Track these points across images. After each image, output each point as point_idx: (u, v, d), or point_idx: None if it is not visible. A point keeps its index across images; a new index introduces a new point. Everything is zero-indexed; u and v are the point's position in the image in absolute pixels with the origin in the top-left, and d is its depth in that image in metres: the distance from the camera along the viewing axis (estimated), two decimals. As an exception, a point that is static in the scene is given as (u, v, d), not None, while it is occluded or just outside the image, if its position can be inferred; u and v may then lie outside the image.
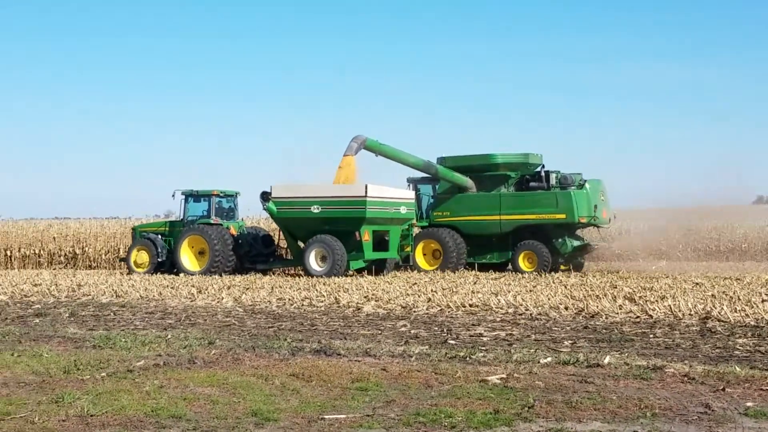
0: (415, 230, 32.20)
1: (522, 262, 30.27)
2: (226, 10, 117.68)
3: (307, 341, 13.05)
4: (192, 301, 19.73)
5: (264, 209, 30.11)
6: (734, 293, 19.29)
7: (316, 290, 21.50)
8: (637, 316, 15.84)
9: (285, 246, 31.56)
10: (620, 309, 16.60)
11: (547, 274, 27.75)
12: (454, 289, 21.33)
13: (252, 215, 39.74)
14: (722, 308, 15.98)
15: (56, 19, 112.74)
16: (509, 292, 20.29)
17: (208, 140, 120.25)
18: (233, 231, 31.14)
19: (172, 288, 22.88)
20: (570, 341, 13.03)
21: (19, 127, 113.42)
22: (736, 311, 15.81)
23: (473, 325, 15.07)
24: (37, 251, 42.34)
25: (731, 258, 40.09)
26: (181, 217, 32.10)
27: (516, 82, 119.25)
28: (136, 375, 10.16)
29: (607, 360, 10.97)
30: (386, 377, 10.04)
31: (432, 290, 21.06)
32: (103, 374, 10.20)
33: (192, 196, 32.00)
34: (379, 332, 14.25)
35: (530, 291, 20.81)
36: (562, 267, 30.61)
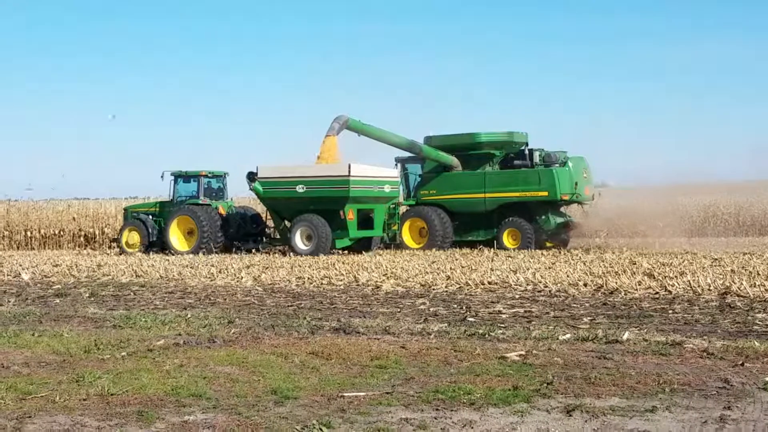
0: (402, 209, 32.71)
1: (506, 239, 30.72)
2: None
3: (327, 320, 13.08)
4: (212, 280, 19.81)
5: (250, 189, 30.73)
6: (753, 268, 19.20)
7: (335, 269, 21.53)
8: (656, 292, 15.80)
9: (273, 225, 31.97)
10: (639, 285, 16.56)
11: (565, 251, 27.72)
12: (473, 267, 21.32)
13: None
14: (741, 283, 15.92)
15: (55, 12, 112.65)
16: (528, 269, 20.27)
17: (223, 122, 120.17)
18: (222, 211, 31.60)
19: (191, 268, 22.97)
20: (589, 318, 13.01)
21: (37, 107, 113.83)
22: (755, 286, 15.76)
23: (492, 302, 15.07)
24: (56, 232, 42.59)
25: (750, 233, 40.06)
26: (171, 198, 32.56)
27: (515, 62, 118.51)
28: (156, 354, 10.21)
29: (626, 336, 10.95)
30: (405, 355, 10.05)
31: (451, 268, 21.07)
32: (123, 353, 10.25)
33: (181, 177, 32.53)
34: (398, 310, 14.27)
35: (549, 268, 20.78)
36: (548, 243, 30.96)
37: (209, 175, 32.77)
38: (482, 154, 32.14)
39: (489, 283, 17.78)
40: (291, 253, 28.90)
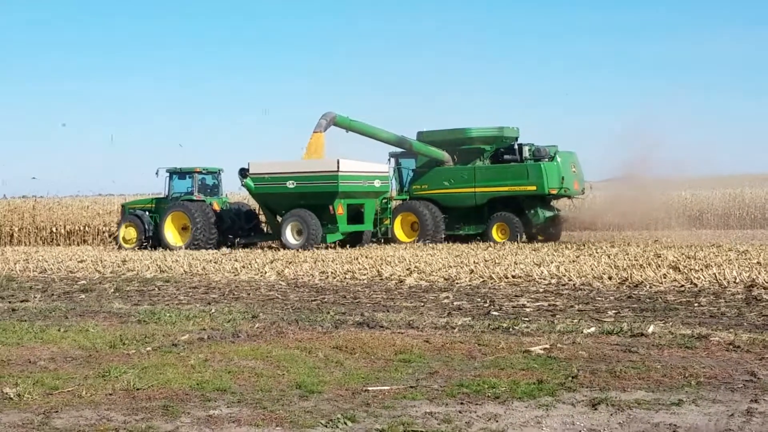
0: (395, 203, 33.10)
1: (495, 233, 31.14)
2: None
3: (350, 314, 13.09)
4: (235, 275, 19.86)
5: (242, 185, 31.25)
6: (780, 261, 19.06)
7: (359, 263, 21.54)
8: (682, 285, 15.72)
9: (266, 221, 32.49)
10: (664, 278, 16.48)
11: (590, 245, 27.62)
12: (497, 261, 21.27)
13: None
14: (768, 276, 15.81)
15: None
16: (552, 262, 20.21)
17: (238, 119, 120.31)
18: (216, 207, 32.07)
19: (215, 263, 23.04)
20: (614, 311, 12.95)
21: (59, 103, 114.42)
22: (782, 279, 15.64)
23: (516, 296, 15.03)
24: (81, 228, 42.84)
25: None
26: (166, 194, 33.07)
27: (518, 58, 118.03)
28: (181, 349, 10.25)
29: (651, 329, 10.89)
30: (429, 349, 10.04)
31: (474, 262, 21.03)
32: (148, 348, 10.30)
33: (176, 174, 33.08)
34: (422, 304, 14.26)
35: (573, 261, 20.71)
36: (540, 237, 31.38)
37: (204, 171, 33.27)
38: (473, 149, 32.56)
39: (513, 276, 17.74)
40: (281, 248, 29.44)
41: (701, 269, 17.63)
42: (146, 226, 32.49)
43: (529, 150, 31.63)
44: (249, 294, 16.28)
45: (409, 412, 7.28)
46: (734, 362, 9.02)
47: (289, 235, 29.65)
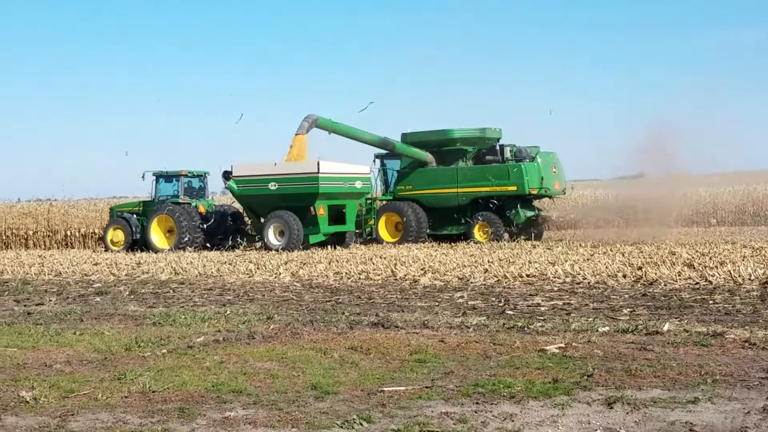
0: (379, 203, 33.51)
1: (477, 233, 31.60)
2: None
3: (365, 314, 13.09)
4: (250, 276, 19.89)
5: (226, 188, 31.82)
6: (796, 257, 18.98)
7: (373, 263, 21.55)
8: (696, 283, 15.67)
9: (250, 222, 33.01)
10: (679, 276, 16.43)
11: (604, 245, 27.55)
12: (511, 260, 21.25)
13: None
14: (784, 273, 15.74)
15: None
16: (566, 261, 20.17)
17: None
18: (202, 209, 32.47)
19: (230, 264, 23.08)
20: (629, 309, 12.92)
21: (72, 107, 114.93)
22: (798, 275, 15.57)
23: (531, 295, 15.01)
24: (96, 230, 42.96)
25: None
26: (152, 197, 33.46)
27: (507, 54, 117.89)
28: (197, 351, 10.27)
29: (666, 327, 10.86)
30: (444, 349, 10.04)
31: (489, 261, 21.00)
32: (163, 351, 10.33)
33: (163, 177, 33.51)
34: (437, 304, 14.25)
35: (587, 260, 20.66)
36: (522, 236, 31.65)
37: (189, 174, 33.73)
38: (455, 150, 33.01)
39: (527, 275, 17.71)
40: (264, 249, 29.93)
41: (716, 266, 17.57)
42: (133, 229, 32.99)
43: (511, 151, 32.23)
44: (264, 295, 16.30)
45: (425, 413, 7.28)
46: (750, 360, 8.99)
47: (271, 236, 30.11)
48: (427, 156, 33.28)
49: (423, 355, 9.61)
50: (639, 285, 15.83)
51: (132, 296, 16.91)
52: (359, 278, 18.71)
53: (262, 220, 30.95)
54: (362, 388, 8.19)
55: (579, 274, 17.36)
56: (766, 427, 6.68)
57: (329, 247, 29.74)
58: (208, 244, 32.00)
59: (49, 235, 43.79)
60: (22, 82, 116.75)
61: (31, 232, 43.69)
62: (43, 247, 42.68)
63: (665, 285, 15.56)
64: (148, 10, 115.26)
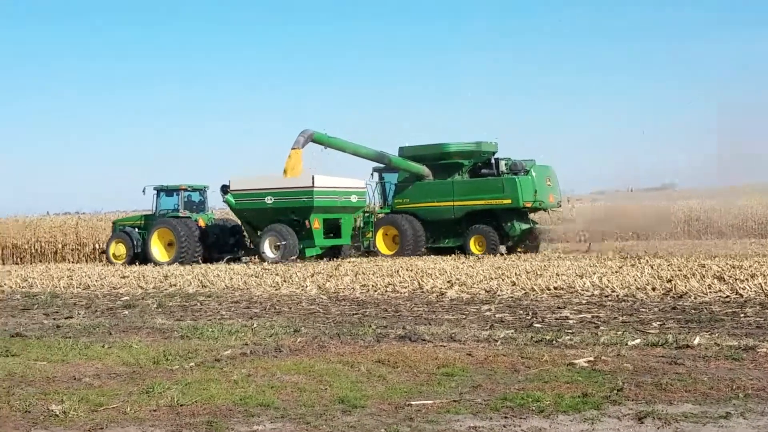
0: (377, 217, 34.29)
1: (473, 246, 32.20)
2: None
3: (392, 327, 13.06)
4: (276, 289, 19.91)
5: (224, 201, 32.50)
6: (828, 269, 18.78)
7: (399, 276, 21.52)
8: (727, 296, 15.52)
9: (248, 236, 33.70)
10: (709, 288, 16.29)
11: (631, 259, 27.43)
12: (538, 272, 21.16)
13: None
14: (816, 285, 15.57)
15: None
16: (594, 273, 20.06)
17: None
18: (201, 223, 33.12)
19: (256, 277, 23.12)
20: (658, 322, 12.81)
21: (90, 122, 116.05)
22: (830, 288, 15.40)
23: (559, 308, 14.92)
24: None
25: None
26: (153, 211, 34.09)
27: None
28: (224, 364, 10.28)
29: (696, 341, 10.75)
30: (472, 362, 9.99)
31: (516, 274, 20.92)
32: (191, 364, 10.33)
33: (163, 191, 34.16)
34: (464, 317, 14.20)
35: (616, 272, 20.53)
36: (519, 249, 32.54)
37: (189, 188, 34.32)
38: (451, 164, 33.61)
39: (555, 288, 17.62)
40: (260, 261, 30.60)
41: (746, 279, 17.41)
42: (134, 242, 33.60)
43: (506, 164, 32.85)
44: (290, 308, 16.30)
45: (453, 426, 7.24)
46: (783, 374, 8.88)
47: (267, 249, 30.70)
48: (424, 169, 33.90)
49: (450, 369, 9.57)
50: (668, 298, 15.71)
51: (159, 309, 16.96)
52: (386, 291, 18.69)
53: (259, 233, 31.48)
54: (390, 402, 8.15)
55: (607, 287, 17.25)
56: (800, 442, 6.59)
57: (333, 258, 30.46)
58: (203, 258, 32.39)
59: (77, 249, 44.13)
60: (58, 96, 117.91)
61: (60, 246, 44.04)
62: (72, 260, 42.98)
63: (695, 298, 15.42)
64: (157, 25, 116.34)
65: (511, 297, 16.77)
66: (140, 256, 33.26)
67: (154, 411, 8.06)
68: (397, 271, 23.16)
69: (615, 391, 8.20)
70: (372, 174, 34.96)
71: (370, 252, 33.35)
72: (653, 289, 16.75)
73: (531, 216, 33.49)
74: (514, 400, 8.00)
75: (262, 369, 9.88)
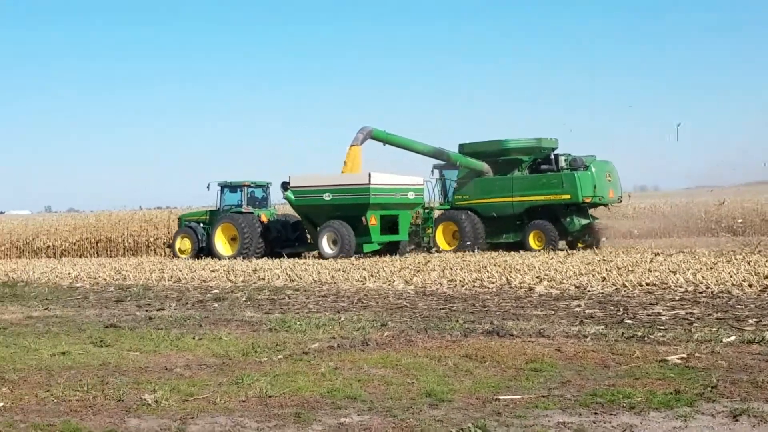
0: (437, 213, 34.62)
1: (532, 241, 32.26)
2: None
3: (479, 322, 12.97)
4: (363, 284, 19.96)
5: (284, 198, 33.00)
6: None
7: (487, 271, 21.38)
8: (827, 293, 15.06)
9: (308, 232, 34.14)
10: (808, 285, 15.81)
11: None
12: (630, 268, 20.81)
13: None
14: None
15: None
16: (688, 269, 19.64)
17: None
18: (264, 218, 33.57)
19: (344, 272, 23.21)
20: (755, 319, 12.47)
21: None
22: None
23: (651, 304, 14.64)
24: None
25: None
26: (218, 207, 34.69)
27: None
28: (312, 357, 10.32)
29: (794, 338, 10.45)
30: (561, 358, 9.86)
31: (607, 269, 20.61)
32: (279, 356, 10.41)
33: (227, 187, 34.84)
34: (553, 312, 14.03)
35: (711, 268, 20.07)
36: (580, 244, 32.45)
37: (252, 185, 34.96)
38: (511, 160, 33.72)
39: (647, 284, 17.32)
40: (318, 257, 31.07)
41: None
42: (199, 237, 34.32)
43: (565, 160, 32.76)
44: (377, 302, 16.32)
45: (542, 422, 7.14)
46: None
47: (325, 245, 31.22)
48: (484, 166, 34.08)
49: (539, 364, 9.46)
50: (766, 294, 15.30)
51: (248, 302, 17.13)
52: (473, 286, 18.58)
53: (318, 228, 31.94)
54: (477, 396, 8.09)
55: (701, 283, 16.88)
56: None
57: (390, 254, 30.87)
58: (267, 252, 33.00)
59: (169, 243, 44.87)
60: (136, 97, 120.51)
61: (152, 239, 44.85)
62: (163, 255, 43.75)
63: (792, 295, 14.99)
64: (157, 25, 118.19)
65: (602, 293, 16.52)
66: (204, 250, 33.92)
67: (243, 402, 8.13)
68: (485, 267, 23.02)
69: (709, 388, 8.01)
70: (432, 171, 35.28)
71: (430, 248, 33.63)
72: (750, 285, 16.33)
73: (591, 211, 33.49)
74: (604, 396, 7.87)
75: (349, 362, 9.90)
